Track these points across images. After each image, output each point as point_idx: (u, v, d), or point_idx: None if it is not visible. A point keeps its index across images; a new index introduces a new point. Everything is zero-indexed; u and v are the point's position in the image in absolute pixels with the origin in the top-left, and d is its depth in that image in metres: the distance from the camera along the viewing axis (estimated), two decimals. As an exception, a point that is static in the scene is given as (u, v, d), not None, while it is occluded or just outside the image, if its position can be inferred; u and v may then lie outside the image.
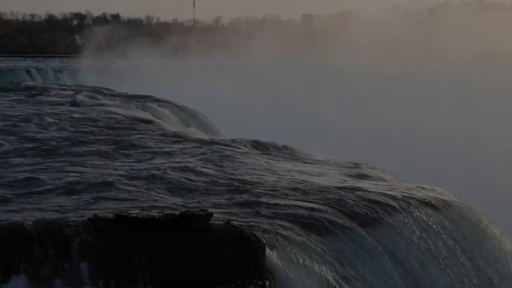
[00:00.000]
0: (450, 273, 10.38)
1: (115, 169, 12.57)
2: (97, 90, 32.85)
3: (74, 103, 25.90)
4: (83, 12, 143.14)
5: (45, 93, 30.87)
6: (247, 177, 12.48)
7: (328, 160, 15.71)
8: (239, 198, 10.85)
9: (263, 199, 10.79)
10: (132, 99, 29.56)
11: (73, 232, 8.05)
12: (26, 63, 71.74)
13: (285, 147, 18.29)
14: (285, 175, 12.97)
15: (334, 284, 8.85)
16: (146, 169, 12.68)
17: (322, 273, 8.85)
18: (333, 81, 59.65)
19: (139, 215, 8.25)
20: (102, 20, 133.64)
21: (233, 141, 17.70)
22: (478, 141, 40.67)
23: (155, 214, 8.42)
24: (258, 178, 12.51)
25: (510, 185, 30.52)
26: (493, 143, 39.37)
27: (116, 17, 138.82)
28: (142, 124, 21.08)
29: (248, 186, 11.73)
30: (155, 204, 10.05)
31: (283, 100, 51.21)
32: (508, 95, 53.16)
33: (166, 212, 8.57)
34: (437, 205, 11.52)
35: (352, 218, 10.31)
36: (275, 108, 47.87)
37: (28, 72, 59.50)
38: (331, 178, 13.18)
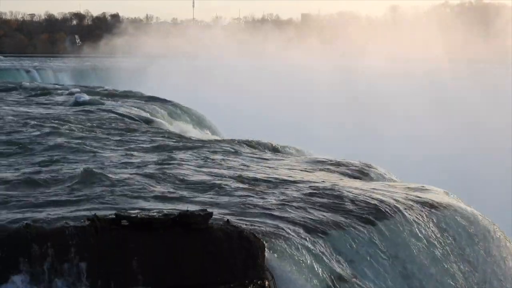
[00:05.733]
0: (450, 274, 10.38)
1: (115, 169, 12.56)
2: (96, 90, 32.88)
3: (73, 103, 25.90)
4: (82, 12, 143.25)
5: (44, 93, 30.88)
6: (247, 177, 12.47)
7: (327, 159, 15.70)
8: (239, 197, 10.84)
9: (263, 199, 10.79)
10: (133, 98, 29.58)
11: (73, 232, 8.03)
12: (25, 63, 71.79)
13: (285, 147, 18.31)
14: (285, 175, 12.96)
15: (334, 284, 8.84)
16: (146, 168, 12.67)
17: (322, 273, 8.84)
18: None
19: (138, 215, 8.24)
20: (101, 20, 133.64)
21: (232, 141, 17.71)
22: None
23: (155, 214, 8.41)
24: (258, 177, 12.51)
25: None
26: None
27: (115, 17, 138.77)
28: (142, 123, 21.08)
29: (248, 185, 11.73)
30: (155, 203, 10.04)
31: None
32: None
33: (165, 212, 8.56)
34: (436, 205, 11.52)
35: (352, 218, 10.30)
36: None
37: (28, 72, 59.57)
38: (330, 177, 13.17)
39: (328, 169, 14.28)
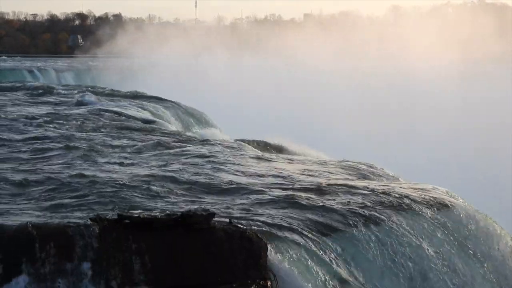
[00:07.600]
0: (452, 273, 10.40)
1: (117, 169, 12.59)
2: (99, 90, 32.90)
3: (76, 103, 25.93)
4: (85, 12, 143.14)
5: (47, 93, 30.90)
6: (249, 177, 12.50)
7: (330, 160, 15.72)
8: (241, 198, 10.87)
9: (265, 199, 10.81)
10: (136, 99, 29.61)
11: (75, 232, 8.07)
12: (28, 63, 71.76)
13: (286, 147, 18.34)
14: (288, 175, 12.98)
15: (335, 283, 8.86)
16: (147, 168, 12.70)
17: (324, 273, 8.86)
18: None
19: (141, 215, 8.27)
20: (104, 20, 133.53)
21: (235, 141, 17.73)
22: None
23: (157, 214, 8.45)
24: (260, 178, 12.53)
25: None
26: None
27: (118, 17, 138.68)
28: (143, 123, 21.09)
29: (250, 186, 11.74)
30: (157, 204, 10.07)
31: None
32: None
33: (167, 212, 8.59)
34: (438, 204, 11.53)
35: (354, 218, 10.32)
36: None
37: (30, 72, 59.52)
38: (333, 178, 13.19)
39: (332, 169, 14.29)
